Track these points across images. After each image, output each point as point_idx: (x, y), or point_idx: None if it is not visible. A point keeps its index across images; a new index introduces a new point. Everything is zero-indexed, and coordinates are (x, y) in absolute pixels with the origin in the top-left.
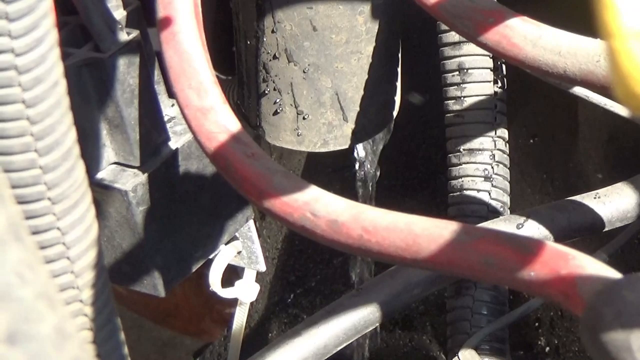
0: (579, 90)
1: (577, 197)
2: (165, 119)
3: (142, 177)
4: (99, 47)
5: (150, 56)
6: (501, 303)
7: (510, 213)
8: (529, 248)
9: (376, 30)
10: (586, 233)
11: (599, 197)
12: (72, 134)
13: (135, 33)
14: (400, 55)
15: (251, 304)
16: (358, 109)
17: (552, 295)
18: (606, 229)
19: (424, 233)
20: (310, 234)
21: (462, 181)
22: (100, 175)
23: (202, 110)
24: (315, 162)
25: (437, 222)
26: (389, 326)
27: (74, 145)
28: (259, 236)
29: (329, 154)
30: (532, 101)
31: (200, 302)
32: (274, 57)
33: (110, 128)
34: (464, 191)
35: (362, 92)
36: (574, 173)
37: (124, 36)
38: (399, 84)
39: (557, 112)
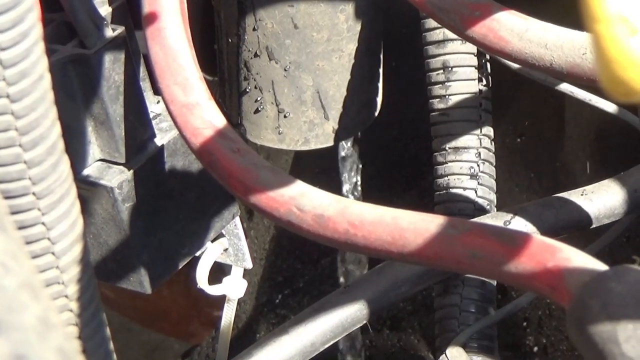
0: (564, 86)
1: (564, 194)
2: (151, 115)
3: (128, 174)
4: (84, 43)
5: (135, 53)
6: (489, 301)
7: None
8: (516, 241)
9: (358, 29)
10: (574, 230)
11: (586, 194)
12: (57, 129)
13: (120, 29)
14: (382, 54)
15: (239, 304)
16: (339, 107)
17: (539, 287)
18: (594, 225)
19: (410, 227)
20: (296, 229)
21: (449, 179)
22: (85, 172)
23: (187, 106)
24: (301, 162)
25: (424, 216)
26: (377, 326)
27: (58, 140)
28: (246, 237)
29: (315, 154)
30: (519, 100)
31: (189, 305)
32: (255, 55)
33: (95, 125)
34: (450, 189)
35: (343, 91)
36: (561, 171)
37: (109, 32)
38: (380, 82)
39: (544, 111)
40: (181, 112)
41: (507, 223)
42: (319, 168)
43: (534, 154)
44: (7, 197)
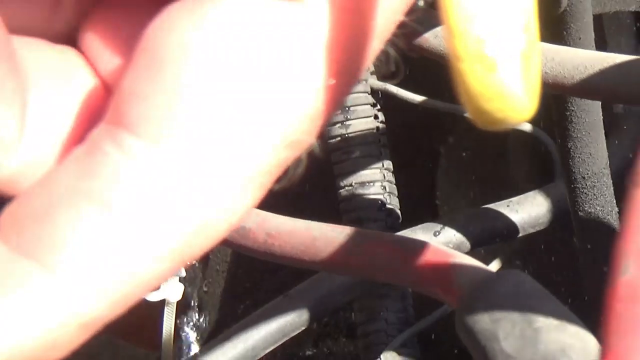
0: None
1: (492, 206)
2: None
3: None
4: None
5: None
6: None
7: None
8: (414, 249)
9: None
10: (500, 238)
11: (511, 205)
12: None
13: None
14: None
15: (204, 315)
16: None
17: (434, 290)
18: (520, 234)
19: (321, 237)
20: (221, 240)
21: (359, 214)
22: None
23: None
24: None
25: (334, 227)
26: (334, 334)
27: None
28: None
29: None
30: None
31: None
32: None
33: None
34: (362, 223)
35: None
36: (504, 183)
37: None
38: None
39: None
40: None
41: (437, 233)
42: None
43: (479, 167)
44: None
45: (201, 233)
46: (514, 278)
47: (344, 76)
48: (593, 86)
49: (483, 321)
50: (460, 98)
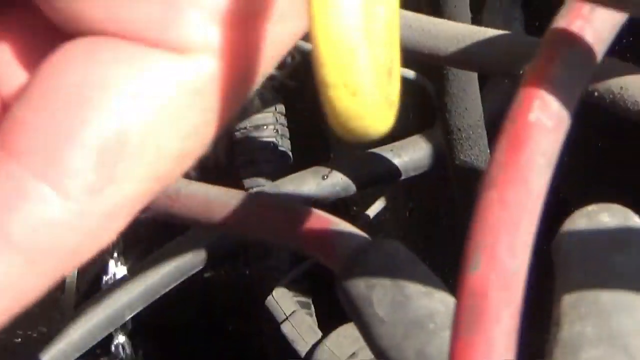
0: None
1: (376, 150)
2: None
3: None
4: None
5: None
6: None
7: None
8: (298, 214)
9: None
10: (384, 181)
11: (395, 150)
12: None
13: None
14: None
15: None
16: None
17: (316, 255)
18: (403, 177)
19: (216, 200)
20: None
21: (252, 156)
22: None
23: None
24: None
25: (229, 191)
26: (233, 262)
27: None
28: None
29: None
30: None
31: None
32: None
33: None
34: (255, 165)
35: None
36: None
37: None
38: None
39: None
40: None
41: (325, 177)
42: None
43: None
44: None
45: (71, 261)
46: (389, 247)
47: (216, 123)
48: (464, 58)
49: (359, 287)
50: (327, 116)
